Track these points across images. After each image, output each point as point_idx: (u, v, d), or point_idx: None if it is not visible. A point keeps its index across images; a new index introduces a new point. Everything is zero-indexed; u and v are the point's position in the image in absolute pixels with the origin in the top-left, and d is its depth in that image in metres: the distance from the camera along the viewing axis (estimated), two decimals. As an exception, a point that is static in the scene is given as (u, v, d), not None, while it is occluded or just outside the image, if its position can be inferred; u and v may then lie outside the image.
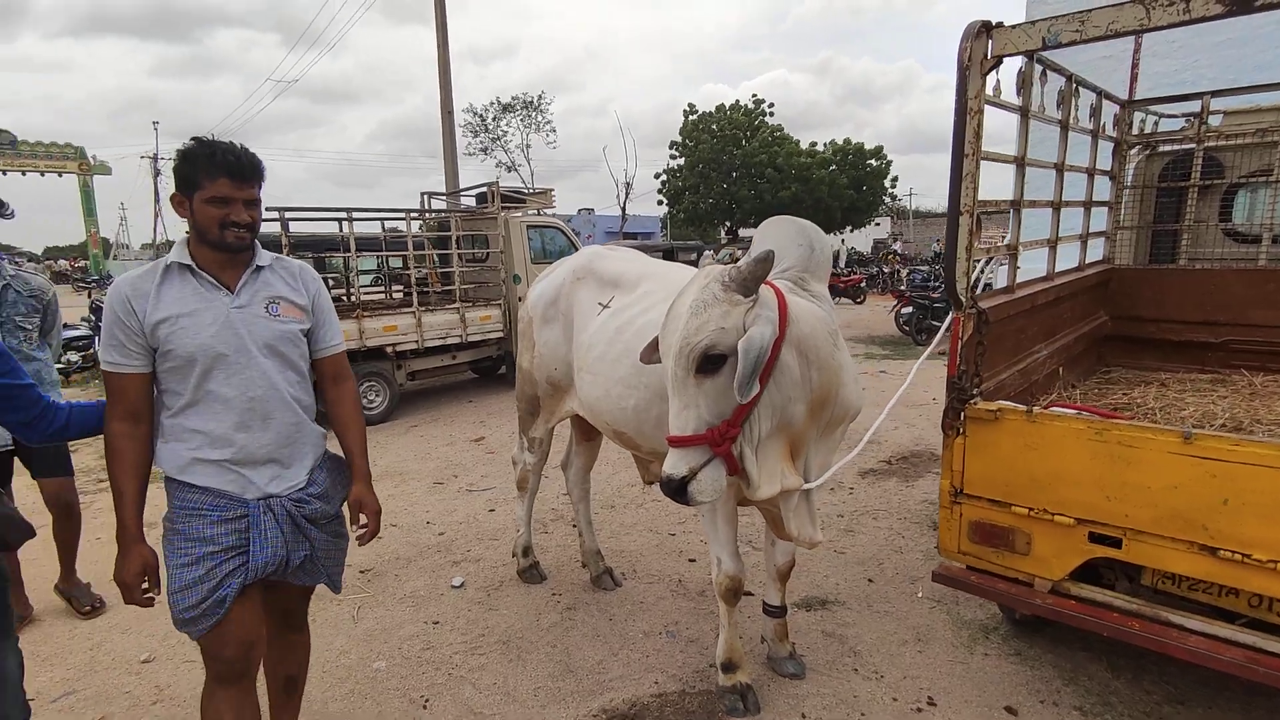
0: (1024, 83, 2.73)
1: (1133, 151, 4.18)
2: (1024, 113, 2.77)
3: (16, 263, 4.07)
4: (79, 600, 3.44)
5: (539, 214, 8.83)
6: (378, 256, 8.86)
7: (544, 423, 3.38)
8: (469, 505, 4.74)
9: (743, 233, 32.16)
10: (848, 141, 29.53)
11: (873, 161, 29.47)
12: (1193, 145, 3.95)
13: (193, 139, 1.78)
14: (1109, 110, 3.80)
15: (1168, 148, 4.17)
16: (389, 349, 7.24)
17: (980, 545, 2.55)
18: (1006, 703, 2.55)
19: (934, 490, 4.69)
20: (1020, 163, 2.83)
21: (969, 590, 2.58)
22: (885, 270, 22.31)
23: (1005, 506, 2.46)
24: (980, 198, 2.45)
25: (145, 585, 1.80)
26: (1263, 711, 2.48)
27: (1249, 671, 2.02)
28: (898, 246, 28.79)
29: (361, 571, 3.79)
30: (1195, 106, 3.93)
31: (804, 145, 29.51)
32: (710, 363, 1.89)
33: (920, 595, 3.35)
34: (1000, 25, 2.30)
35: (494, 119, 28.74)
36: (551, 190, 8.83)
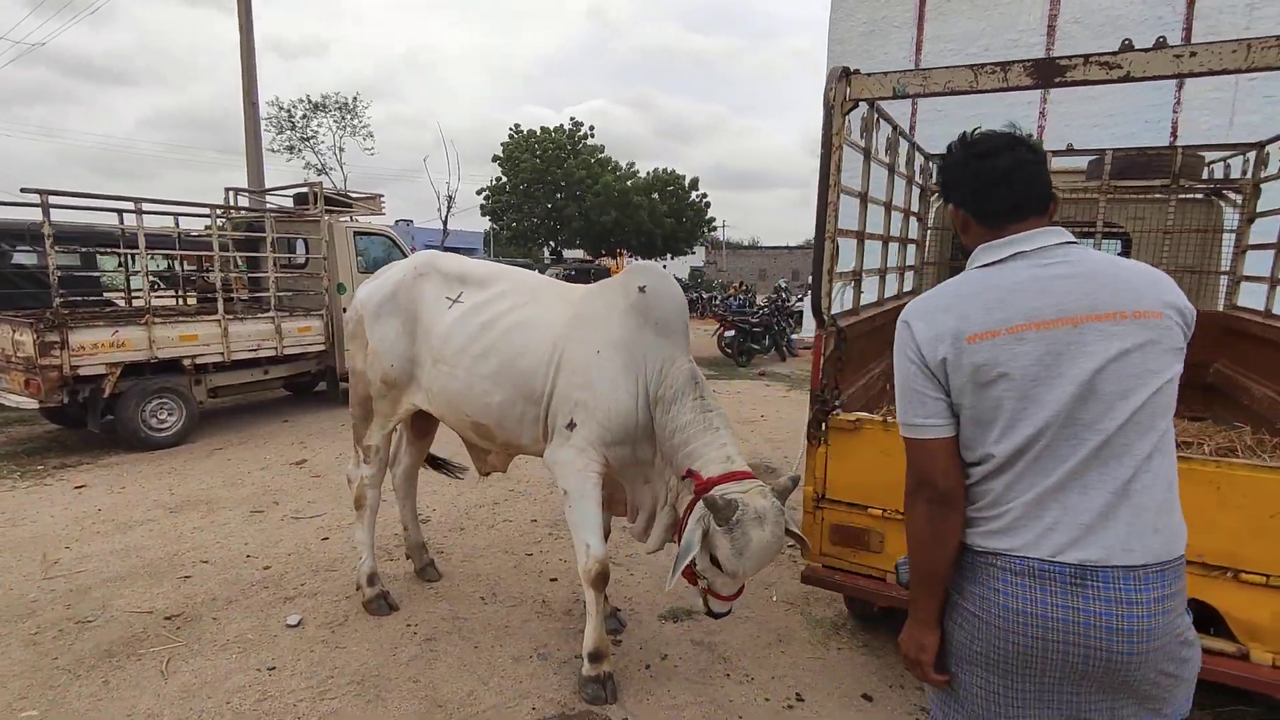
0: (866, 127, 3.05)
1: (934, 197, 4.83)
2: (866, 153, 3.10)
3: None
4: None
5: (358, 219, 8.27)
6: (169, 256, 7.80)
7: (379, 428, 3.26)
8: (297, 534, 4.27)
9: (567, 254, 32.65)
10: (668, 171, 31.09)
11: (693, 195, 31.29)
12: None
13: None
14: (918, 160, 4.37)
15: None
16: (186, 361, 6.36)
17: (839, 546, 2.77)
18: (863, 691, 2.77)
19: (772, 499, 5.00)
20: (863, 198, 3.16)
21: (836, 589, 2.79)
22: (705, 296, 23.62)
23: (863, 509, 2.69)
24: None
25: None
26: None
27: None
28: (736, 280, 31.01)
29: (167, 618, 3.26)
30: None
31: (624, 166, 30.61)
32: None
33: (775, 599, 3.55)
34: (857, 72, 2.57)
35: (303, 117, 26.56)
36: (381, 196, 8.31)
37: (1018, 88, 2.30)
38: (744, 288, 22.57)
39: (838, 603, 3.44)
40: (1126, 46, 2.13)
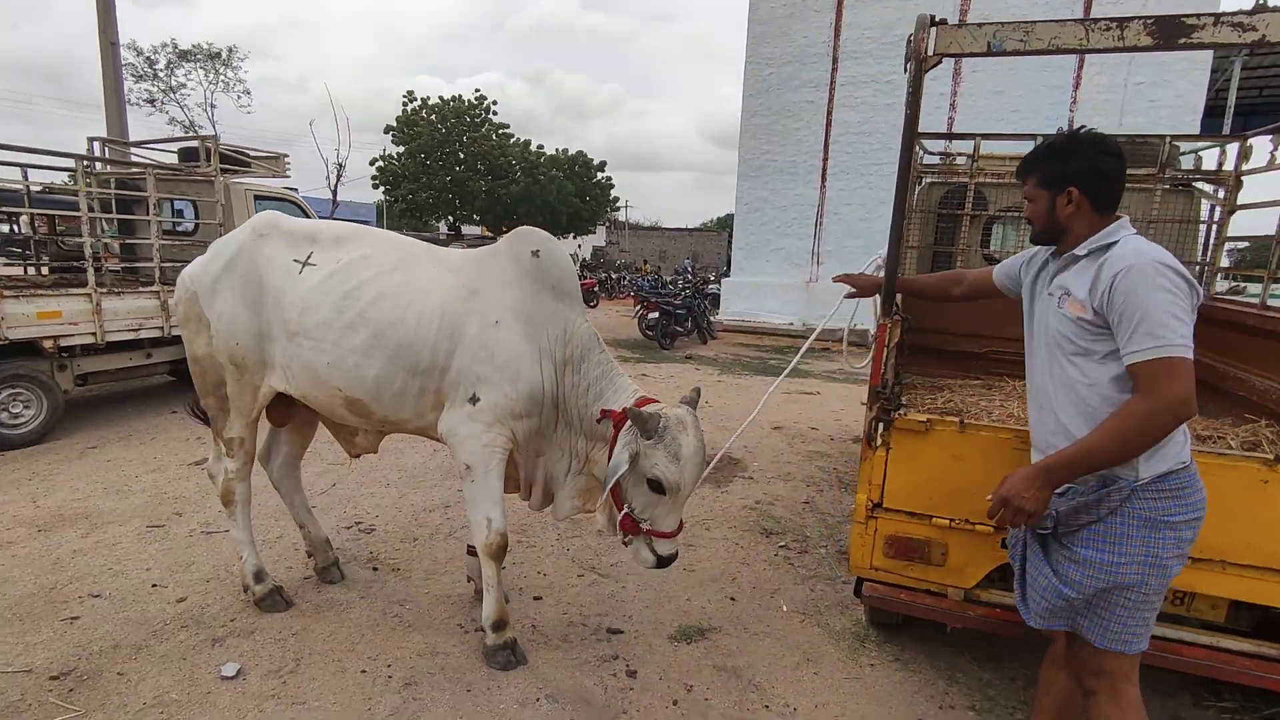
0: (915, 90, 2.74)
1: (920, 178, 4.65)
2: (913, 120, 2.79)
3: None
4: None
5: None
6: (13, 216, 6.52)
7: (240, 417, 2.89)
8: (213, 553, 3.55)
9: (466, 230, 31.18)
10: (579, 154, 30.39)
11: (599, 174, 30.71)
12: (962, 179, 4.52)
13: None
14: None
15: (937, 179, 4.73)
16: (46, 343, 5.29)
17: (895, 559, 2.48)
18: (916, 716, 2.51)
19: (750, 495, 4.73)
20: (906, 171, 2.85)
21: (900, 610, 2.51)
22: (614, 276, 23.26)
23: (925, 519, 2.41)
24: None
25: None
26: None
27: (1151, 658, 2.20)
28: (643, 261, 31.04)
29: (53, 677, 2.54)
30: (951, 145, 4.49)
31: (534, 148, 29.64)
32: None
33: (785, 609, 3.25)
34: (944, 22, 2.24)
35: (167, 66, 23.76)
36: (285, 156, 7.31)
37: (1134, 48, 2.04)
38: (652, 269, 22.37)
39: (853, 609, 3.19)
40: (1261, 6, 1.92)
